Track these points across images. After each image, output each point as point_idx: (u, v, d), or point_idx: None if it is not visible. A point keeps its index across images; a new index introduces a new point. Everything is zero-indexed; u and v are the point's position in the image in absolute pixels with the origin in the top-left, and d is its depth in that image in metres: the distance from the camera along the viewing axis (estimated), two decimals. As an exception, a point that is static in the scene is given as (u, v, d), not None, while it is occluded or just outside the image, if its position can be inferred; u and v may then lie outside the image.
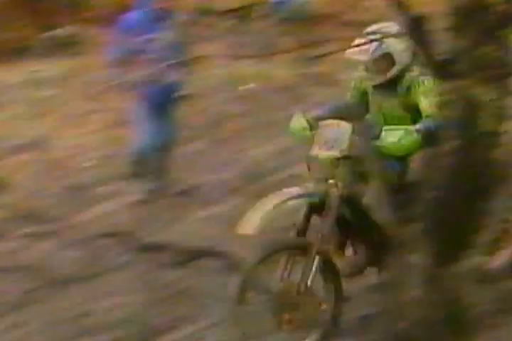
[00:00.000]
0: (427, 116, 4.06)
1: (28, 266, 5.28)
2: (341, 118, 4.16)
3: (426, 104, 4.14)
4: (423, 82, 4.21)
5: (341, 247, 4.20)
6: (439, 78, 3.66)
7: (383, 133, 3.98)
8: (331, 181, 4.00)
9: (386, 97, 4.34)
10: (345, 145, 4.00)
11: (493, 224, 3.73)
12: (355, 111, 4.36)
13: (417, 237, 3.64)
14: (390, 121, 4.27)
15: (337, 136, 4.07)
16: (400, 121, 4.18)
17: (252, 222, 3.90)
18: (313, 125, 4.25)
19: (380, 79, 4.28)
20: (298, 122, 4.35)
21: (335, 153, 4.03)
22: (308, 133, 4.24)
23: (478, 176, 3.59)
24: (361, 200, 4.11)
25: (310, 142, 4.18)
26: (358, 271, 4.16)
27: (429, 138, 3.89)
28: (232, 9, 8.45)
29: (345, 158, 4.03)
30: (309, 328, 4.01)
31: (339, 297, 4.06)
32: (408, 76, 4.26)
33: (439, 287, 3.60)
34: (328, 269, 4.04)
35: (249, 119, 7.72)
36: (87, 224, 5.85)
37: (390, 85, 4.30)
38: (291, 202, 3.98)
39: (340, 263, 4.06)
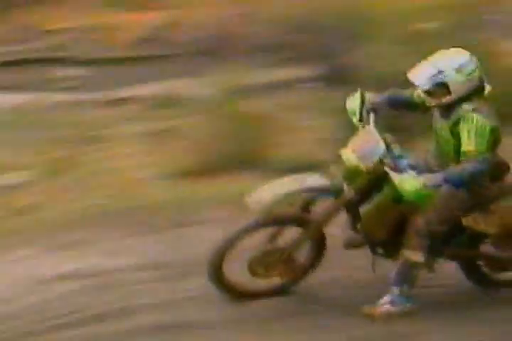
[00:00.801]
0: (463, 153, 4.34)
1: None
2: (397, 109, 4.81)
3: (466, 140, 4.34)
4: (472, 119, 4.39)
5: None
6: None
7: (404, 176, 4.37)
8: (346, 184, 4.63)
9: (440, 118, 4.56)
10: (372, 162, 4.48)
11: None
12: (412, 106, 4.73)
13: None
14: (439, 139, 4.61)
15: (370, 149, 4.49)
16: (446, 143, 4.52)
17: (262, 201, 4.61)
18: (363, 115, 4.60)
19: (433, 103, 4.54)
20: (353, 103, 4.64)
21: (361, 164, 4.50)
22: (355, 120, 4.62)
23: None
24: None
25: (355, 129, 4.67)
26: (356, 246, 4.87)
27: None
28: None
29: (368, 172, 4.54)
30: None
31: (315, 266, 4.89)
32: (462, 107, 4.44)
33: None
34: (318, 243, 4.84)
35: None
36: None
37: (446, 109, 4.50)
38: (304, 195, 4.72)
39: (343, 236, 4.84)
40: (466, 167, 4.34)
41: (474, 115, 4.40)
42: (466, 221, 4.62)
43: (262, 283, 4.85)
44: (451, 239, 4.72)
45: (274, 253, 4.80)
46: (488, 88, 4.51)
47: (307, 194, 4.76)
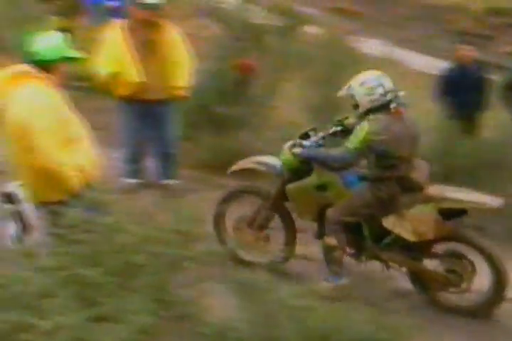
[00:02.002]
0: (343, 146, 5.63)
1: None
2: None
3: (349, 138, 5.63)
4: (363, 125, 5.57)
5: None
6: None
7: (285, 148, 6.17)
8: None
9: None
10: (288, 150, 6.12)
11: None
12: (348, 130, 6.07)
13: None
14: None
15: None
16: None
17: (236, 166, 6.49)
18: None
19: (353, 115, 5.95)
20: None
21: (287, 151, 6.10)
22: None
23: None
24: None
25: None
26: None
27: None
28: None
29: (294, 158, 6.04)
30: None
31: (292, 242, 6.21)
32: (366, 118, 5.62)
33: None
34: (284, 216, 6.25)
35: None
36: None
37: (361, 120, 5.68)
38: (264, 169, 6.35)
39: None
40: (332, 153, 5.76)
41: (366, 123, 5.57)
42: (386, 222, 5.69)
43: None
44: (381, 241, 5.75)
45: (244, 220, 6.33)
46: (393, 105, 5.60)
47: (266, 168, 6.37)
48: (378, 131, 5.49)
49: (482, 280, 5.75)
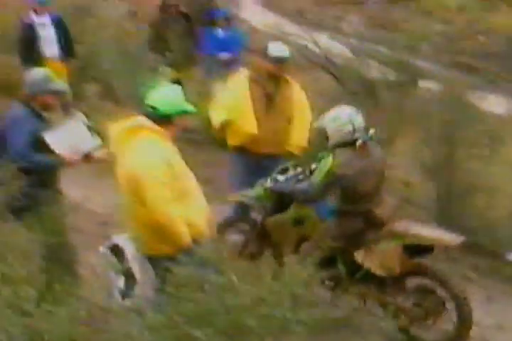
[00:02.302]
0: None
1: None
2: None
3: (316, 172, 5.98)
4: (327, 159, 5.89)
5: None
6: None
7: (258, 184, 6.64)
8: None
9: None
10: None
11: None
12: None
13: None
14: None
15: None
16: None
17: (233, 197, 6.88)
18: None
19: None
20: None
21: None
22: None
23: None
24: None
25: None
26: None
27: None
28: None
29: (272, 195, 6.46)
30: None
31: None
32: (334, 152, 5.92)
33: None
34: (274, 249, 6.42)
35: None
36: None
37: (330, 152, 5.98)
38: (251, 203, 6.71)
39: None
40: (298, 187, 6.20)
41: (331, 157, 5.89)
42: (357, 256, 5.87)
43: None
44: (354, 274, 5.71)
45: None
46: (359, 141, 5.87)
47: (252, 201, 6.69)
48: (342, 166, 5.81)
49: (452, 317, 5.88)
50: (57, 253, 5.47)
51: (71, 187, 6.42)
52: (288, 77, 7.25)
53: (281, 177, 6.48)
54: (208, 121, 7.54)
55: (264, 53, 7.13)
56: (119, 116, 5.45)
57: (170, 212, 5.01)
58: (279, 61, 7.06)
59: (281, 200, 6.38)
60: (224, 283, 3.55)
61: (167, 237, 5.04)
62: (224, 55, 11.46)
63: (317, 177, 5.90)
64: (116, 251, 5.29)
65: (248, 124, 7.07)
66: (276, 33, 16.03)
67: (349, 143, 5.89)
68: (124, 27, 13.12)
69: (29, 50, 10.95)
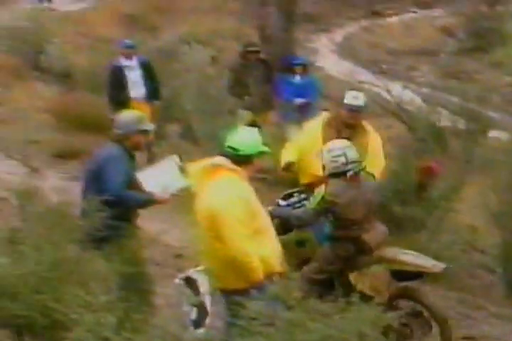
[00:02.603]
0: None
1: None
2: None
3: (311, 199, 6.25)
4: (322, 188, 6.16)
5: None
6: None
7: None
8: None
9: None
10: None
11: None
12: None
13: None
14: None
15: None
16: None
17: None
18: None
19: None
20: None
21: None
22: None
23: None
24: None
25: None
26: None
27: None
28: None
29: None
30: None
31: None
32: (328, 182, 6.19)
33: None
34: None
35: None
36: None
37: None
38: None
39: None
40: (293, 213, 6.44)
41: (324, 187, 6.16)
42: (351, 278, 6.09)
43: None
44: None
45: None
46: (350, 173, 6.11)
47: None
48: (334, 195, 6.06)
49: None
50: (134, 283, 5.53)
51: (149, 221, 6.50)
52: (365, 125, 7.24)
53: (283, 203, 6.74)
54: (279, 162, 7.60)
55: (341, 101, 7.17)
56: (196, 154, 5.54)
57: (246, 249, 5.05)
58: (354, 109, 7.08)
59: (283, 223, 6.53)
60: (294, 320, 3.55)
61: (242, 273, 5.07)
62: (299, 101, 11.53)
63: (312, 205, 6.16)
64: (190, 283, 5.33)
65: (315, 165, 7.08)
66: (351, 80, 16.10)
67: (342, 174, 6.13)
68: (206, 71, 13.31)
69: (117, 91, 11.18)
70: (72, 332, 3.62)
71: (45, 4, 20.01)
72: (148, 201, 6.14)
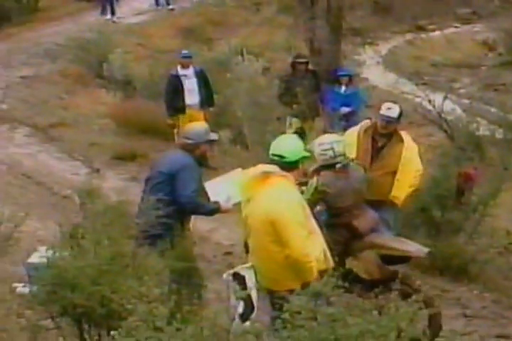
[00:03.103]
0: None
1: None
2: None
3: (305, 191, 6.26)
4: (313, 180, 6.30)
5: None
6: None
7: None
8: None
9: None
10: None
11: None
12: None
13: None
14: None
15: None
16: None
17: None
18: None
19: None
20: None
21: None
22: None
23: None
24: None
25: None
26: None
27: None
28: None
29: None
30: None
31: None
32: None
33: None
34: None
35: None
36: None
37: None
38: None
39: None
40: None
41: (315, 178, 6.30)
42: (347, 261, 6.17)
43: None
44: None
45: None
46: (339, 165, 6.30)
47: None
48: (325, 185, 6.25)
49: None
50: (186, 278, 5.55)
51: (200, 220, 6.53)
52: (402, 134, 7.21)
53: None
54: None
55: (378, 111, 7.18)
56: (246, 159, 5.55)
57: (307, 251, 5.06)
58: (387, 120, 7.07)
59: None
60: (334, 314, 3.53)
61: (299, 273, 5.08)
62: (345, 110, 11.50)
63: (306, 195, 6.23)
64: (238, 278, 5.34)
65: None
66: (395, 91, 16.00)
67: (330, 166, 6.31)
68: (258, 81, 13.32)
69: (174, 98, 11.25)
70: (126, 321, 3.64)
71: (108, 17, 20.18)
72: (215, 210, 6.26)
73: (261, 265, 5.22)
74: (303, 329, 3.45)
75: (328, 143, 6.36)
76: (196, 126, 6.70)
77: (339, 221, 6.38)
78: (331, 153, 6.32)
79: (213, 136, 6.44)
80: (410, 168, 7.12)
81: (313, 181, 6.35)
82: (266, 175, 5.20)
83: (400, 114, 7.13)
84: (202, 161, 6.41)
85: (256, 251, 5.26)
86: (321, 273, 5.08)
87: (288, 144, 5.35)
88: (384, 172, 7.11)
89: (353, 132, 7.31)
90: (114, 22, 20.06)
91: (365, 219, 6.39)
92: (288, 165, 5.24)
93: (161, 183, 6.13)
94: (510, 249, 8.40)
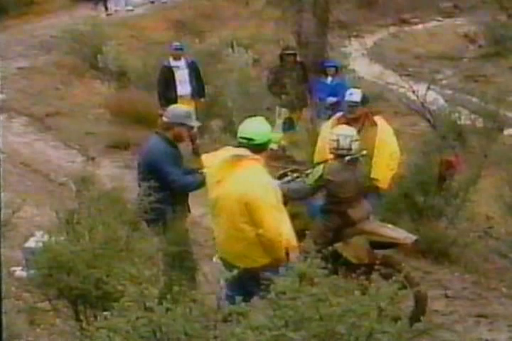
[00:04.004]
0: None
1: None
2: None
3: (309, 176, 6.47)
4: (320, 167, 6.41)
5: None
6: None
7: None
8: None
9: None
10: None
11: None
12: None
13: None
14: None
15: None
16: None
17: None
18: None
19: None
20: None
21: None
22: None
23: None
24: None
25: None
26: None
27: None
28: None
29: None
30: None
31: None
32: None
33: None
34: None
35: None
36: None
37: None
38: None
39: None
40: (292, 187, 6.52)
41: (322, 166, 6.44)
42: (338, 246, 6.18)
43: None
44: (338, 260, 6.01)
45: None
46: (347, 157, 6.32)
47: None
48: (330, 174, 6.30)
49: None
50: (178, 261, 5.56)
51: (191, 205, 6.53)
52: (375, 119, 7.31)
53: (278, 182, 6.70)
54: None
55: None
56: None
57: (280, 230, 5.08)
58: (351, 105, 7.30)
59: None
60: (318, 295, 3.55)
61: (272, 251, 5.10)
62: (331, 100, 11.50)
63: (310, 181, 6.40)
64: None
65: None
66: (380, 82, 15.99)
67: (338, 157, 6.38)
68: (248, 72, 13.31)
69: (166, 89, 11.24)
70: (118, 302, 3.66)
71: (102, 10, 20.11)
72: (203, 180, 6.09)
73: (231, 244, 5.22)
74: (288, 309, 3.47)
75: (337, 134, 6.43)
76: (178, 107, 6.57)
77: (335, 209, 6.43)
78: (335, 144, 6.39)
79: (192, 122, 6.33)
80: (386, 150, 7.18)
81: (320, 168, 6.40)
82: (238, 157, 5.16)
83: (364, 98, 7.36)
84: (176, 143, 6.23)
85: (226, 231, 5.24)
86: (288, 249, 5.16)
87: (255, 127, 5.29)
88: None
89: (327, 125, 7.41)
90: (108, 15, 19.99)
91: (360, 210, 6.44)
92: (256, 148, 5.18)
93: (146, 171, 6.12)
94: (490, 233, 8.44)
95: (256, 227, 5.08)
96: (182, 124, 6.18)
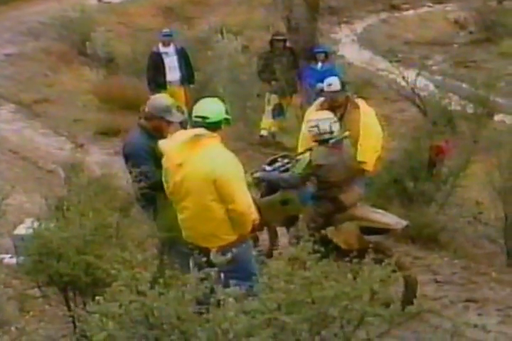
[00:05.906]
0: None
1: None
2: None
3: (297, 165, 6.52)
4: (307, 154, 6.49)
5: None
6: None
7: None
8: None
9: None
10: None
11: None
12: None
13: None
14: None
15: None
16: None
17: None
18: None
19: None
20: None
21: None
22: None
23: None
24: None
25: None
26: None
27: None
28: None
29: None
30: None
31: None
32: None
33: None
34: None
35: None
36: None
37: None
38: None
39: None
40: (281, 176, 6.67)
41: (309, 153, 6.49)
42: (329, 232, 6.17)
43: None
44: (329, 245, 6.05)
45: None
46: (332, 141, 6.36)
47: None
48: (317, 159, 6.32)
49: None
50: (169, 246, 5.56)
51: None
52: (357, 102, 7.36)
53: (268, 168, 6.86)
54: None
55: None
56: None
57: (250, 204, 5.18)
58: (333, 95, 7.39)
59: (270, 186, 6.81)
60: (311, 278, 3.57)
61: (241, 226, 5.19)
62: (321, 85, 11.49)
63: (298, 170, 6.43)
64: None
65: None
66: (370, 68, 16.00)
67: (322, 142, 6.37)
68: (237, 58, 13.28)
69: (155, 75, 11.21)
70: (111, 286, 3.67)
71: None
72: None
73: (199, 225, 5.20)
74: (280, 292, 3.48)
75: (315, 120, 6.44)
76: (160, 99, 6.15)
77: (326, 194, 6.42)
78: (316, 130, 6.38)
79: (172, 117, 5.96)
80: (371, 132, 7.22)
81: (306, 156, 6.41)
82: (197, 137, 5.14)
83: (342, 84, 7.46)
84: (155, 134, 5.86)
85: (193, 213, 5.21)
86: (253, 224, 5.27)
87: (210, 106, 5.29)
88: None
89: (311, 110, 7.42)
90: (100, 1, 19.90)
91: (352, 194, 6.43)
92: (211, 126, 5.17)
93: (129, 163, 5.97)
94: (479, 219, 8.48)
95: (225, 203, 5.09)
96: (159, 117, 5.94)
